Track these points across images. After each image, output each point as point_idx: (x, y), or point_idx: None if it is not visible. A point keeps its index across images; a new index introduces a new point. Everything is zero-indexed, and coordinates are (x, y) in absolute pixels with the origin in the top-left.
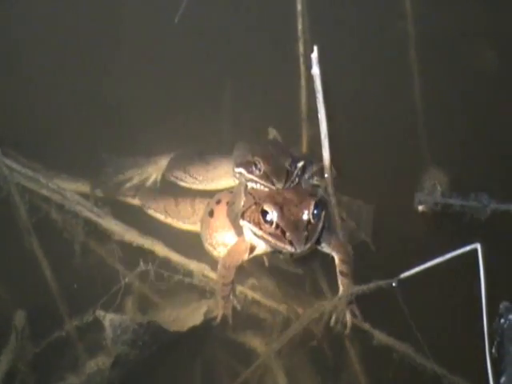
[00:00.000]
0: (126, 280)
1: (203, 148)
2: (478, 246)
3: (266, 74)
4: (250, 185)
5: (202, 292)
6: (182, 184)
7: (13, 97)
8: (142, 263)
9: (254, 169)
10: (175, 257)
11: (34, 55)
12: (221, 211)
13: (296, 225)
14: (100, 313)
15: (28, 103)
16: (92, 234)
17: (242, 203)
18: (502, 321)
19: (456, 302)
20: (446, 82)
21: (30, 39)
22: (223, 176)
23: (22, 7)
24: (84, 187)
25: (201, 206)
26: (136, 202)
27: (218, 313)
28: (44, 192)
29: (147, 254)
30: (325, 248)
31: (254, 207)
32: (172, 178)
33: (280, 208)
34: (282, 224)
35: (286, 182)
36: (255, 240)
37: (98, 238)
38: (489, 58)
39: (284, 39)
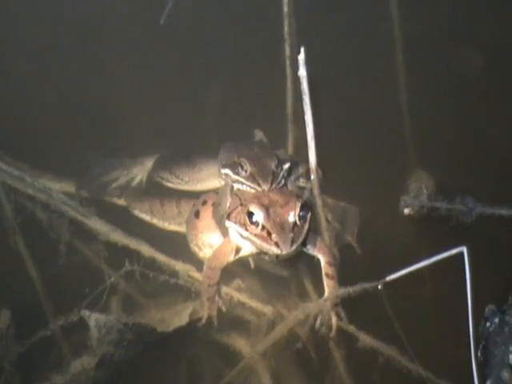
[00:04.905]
0: (112, 280)
1: (189, 149)
2: (464, 250)
3: (253, 76)
4: (235, 186)
5: (187, 293)
6: (168, 185)
7: None
8: (127, 263)
9: (240, 170)
10: (161, 257)
11: (20, 55)
12: (206, 212)
13: (282, 226)
14: (85, 312)
15: (14, 103)
16: (77, 234)
17: (228, 204)
18: (488, 324)
19: (442, 305)
20: (432, 84)
21: (17, 38)
22: (209, 177)
23: (9, 4)
24: (69, 187)
25: (186, 207)
26: (122, 202)
27: (203, 314)
28: (29, 191)
29: (133, 255)
30: (310, 250)
31: (239, 208)
32: (158, 179)
33: (266, 209)
34: (267, 225)
35: (271, 183)
36: (241, 241)
37: (84, 237)
38: (475, 59)
39: (270, 41)
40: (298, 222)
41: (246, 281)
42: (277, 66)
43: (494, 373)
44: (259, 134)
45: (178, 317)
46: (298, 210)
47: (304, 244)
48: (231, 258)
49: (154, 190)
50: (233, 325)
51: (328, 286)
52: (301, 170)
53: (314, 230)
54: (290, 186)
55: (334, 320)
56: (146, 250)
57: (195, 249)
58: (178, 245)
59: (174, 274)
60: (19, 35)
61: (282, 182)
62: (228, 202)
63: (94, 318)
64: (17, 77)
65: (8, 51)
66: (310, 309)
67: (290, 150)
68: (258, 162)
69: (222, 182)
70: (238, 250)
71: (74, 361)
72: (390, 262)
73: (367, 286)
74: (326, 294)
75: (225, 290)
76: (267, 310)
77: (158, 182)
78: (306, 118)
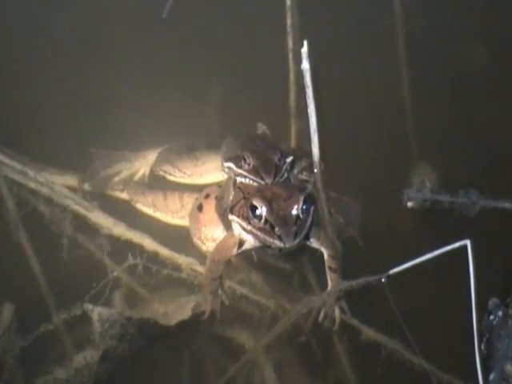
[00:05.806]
0: (115, 274)
1: (192, 142)
2: (468, 243)
3: (255, 69)
4: (238, 179)
5: (190, 286)
6: (171, 178)
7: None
8: (130, 257)
9: (242, 163)
10: (164, 251)
11: (21, 49)
12: (209, 206)
13: (285, 220)
14: (88, 306)
15: (16, 97)
16: (80, 228)
17: (231, 198)
18: (491, 317)
19: (445, 299)
20: (435, 79)
21: (17, 34)
22: (212, 170)
23: (11, 3)
24: (72, 181)
25: (189, 201)
26: (124, 196)
27: (206, 307)
28: (32, 185)
29: (136, 248)
30: (313, 243)
31: (242, 202)
32: (160, 173)
33: (269, 203)
34: (270, 219)
35: (275, 176)
36: (244, 235)
37: (87, 231)
38: (477, 55)
39: (273, 34)
40: (301, 216)
41: (249, 274)
42: (280, 60)
43: (497, 366)
44: (262, 128)
45: (181, 310)
46: (301, 203)
47: (307, 237)
48: (234, 251)
49: (157, 184)
50: (236, 318)
51: (331, 279)
52: (304, 163)
53: (317, 224)
54: (292, 180)
55: (337, 313)
56: (149, 243)
57: (198, 242)
58: (181, 238)
59: (177, 267)
60: (18, 31)
61: (285, 175)
62: (231, 196)
63: (96, 312)
64: (19, 71)
65: (7, 46)
66: (313, 302)
67: (293, 143)
68: (261, 156)
69: (225, 176)
70: (240, 244)
71: (77, 355)
72: (394, 255)
73: (370, 279)
74: (329, 287)
75: (228, 283)
76: (270, 303)
77: (160, 176)
78: (308, 111)
